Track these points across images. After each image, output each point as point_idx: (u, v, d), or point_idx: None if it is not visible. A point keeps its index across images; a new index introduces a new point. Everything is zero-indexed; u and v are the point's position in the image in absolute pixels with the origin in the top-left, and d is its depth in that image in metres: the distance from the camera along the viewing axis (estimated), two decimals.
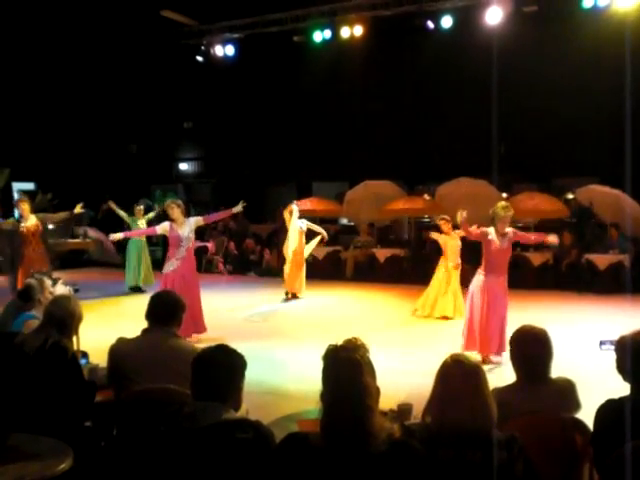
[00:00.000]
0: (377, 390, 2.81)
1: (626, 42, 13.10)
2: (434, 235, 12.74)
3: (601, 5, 15.24)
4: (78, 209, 11.92)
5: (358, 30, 17.81)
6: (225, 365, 3.21)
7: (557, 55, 18.00)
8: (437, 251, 13.87)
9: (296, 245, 14.42)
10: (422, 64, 19.85)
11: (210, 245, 17.96)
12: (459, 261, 12.44)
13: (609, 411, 3.60)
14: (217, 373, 3.17)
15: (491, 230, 8.73)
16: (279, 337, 10.53)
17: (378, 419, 2.73)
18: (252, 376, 7.41)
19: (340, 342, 2.86)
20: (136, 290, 15.24)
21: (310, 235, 15.00)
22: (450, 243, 12.37)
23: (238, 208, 10.48)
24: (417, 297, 13.27)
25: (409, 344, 9.93)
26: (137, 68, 21.74)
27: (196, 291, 9.94)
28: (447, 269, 12.45)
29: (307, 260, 15.64)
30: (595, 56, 16.50)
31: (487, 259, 8.84)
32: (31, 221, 11.38)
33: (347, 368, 2.75)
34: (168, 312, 4.61)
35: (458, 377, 2.96)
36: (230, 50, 20.27)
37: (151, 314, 4.61)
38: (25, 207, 11.48)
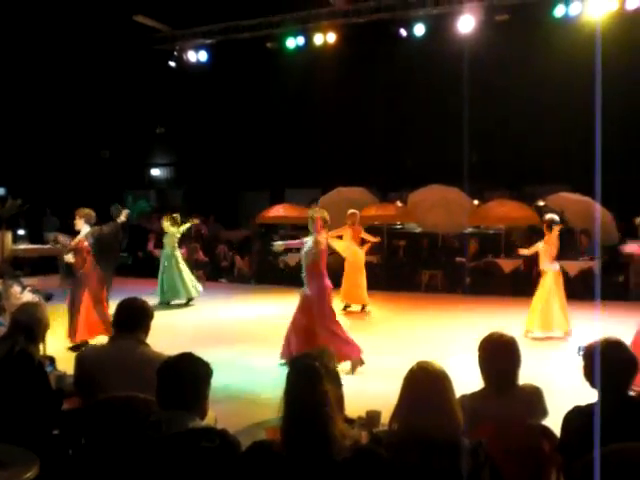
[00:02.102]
0: (339, 398, 2.81)
1: (596, 51, 13.25)
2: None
3: (572, 14, 15.39)
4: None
5: (331, 37, 17.87)
6: (190, 373, 3.20)
7: (529, 63, 18.16)
8: (411, 257, 13.97)
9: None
10: (395, 71, 19.92)
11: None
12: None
13: (576, 418, 3.63)
14: (182, 381, 3.16)
15: None
16: (250, 344, 10.50)
17: (339, 426, 2.73)
18: (223, 383, 7.47)
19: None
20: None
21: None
22: None
23: None
24: (389, 303, 13.34)
25: (380, 349, 9.93)
26: (109, 73, 21.61)
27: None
28: None
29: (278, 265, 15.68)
30: (566, 64, 16.63)
31: None
32: None
33: (306, 376, 2.75)
34: (135, 320, 4.57)
35: (424, 384, 2.97)
36: (203, 56, 20.25)
37: (118, 322, 4.58)
38: None
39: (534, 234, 16.55)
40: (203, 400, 3.25)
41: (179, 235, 14.85)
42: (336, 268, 14.00)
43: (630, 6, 14.74)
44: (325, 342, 8.22)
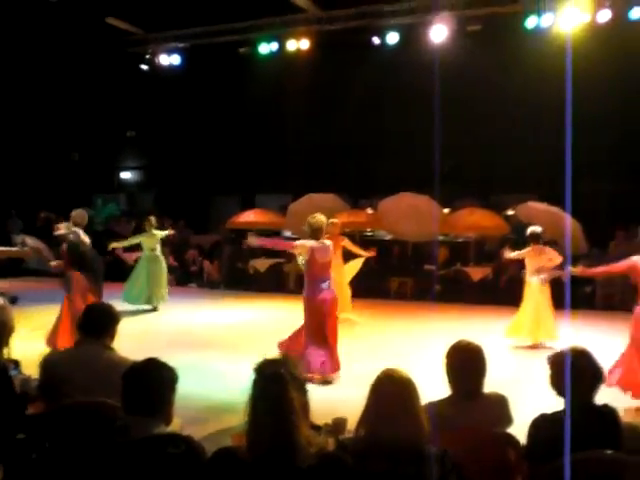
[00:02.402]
0: (305, 405, 2.80)
1: (567, 62, 13.39)
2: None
3: (544, 26, 15.52)
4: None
5: (304, 44, 17.88)
6: (155, 379, 3.17)
7: (501, 73, 18.28)
8: (381, 264, 13.98)
9: None
10: (367, 79, 19.95)
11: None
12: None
13: (542, 425, 3.67)
14: (147, 387, 3.13)
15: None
16: (220, 350, 10.45)
17: (305, 433, 2.72)
18: (191, 389, 7.43)
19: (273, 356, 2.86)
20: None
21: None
22: None
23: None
24: (358, 310, 13.36)
25: (348, 356, 9.91)
26: (80, 75, 21.45)
27: None
28: None
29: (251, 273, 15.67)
30: (537, 75, 16.76)
31: None
32: None
33: (271, 383, 2.75)
34: (101, 324, 4.54)
35: (390, 391, 2.98)
36: (175, 59, 20.17)
37: (84, 326, 4.55)
38: None
39: (507, 243, 16.74)
40: (168, 406, 3.23)
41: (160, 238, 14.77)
42: None
43: (601, 19, 14.90)
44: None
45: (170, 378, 3.26)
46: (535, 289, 11.25)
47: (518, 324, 11.30)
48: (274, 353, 3.04)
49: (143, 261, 14.59)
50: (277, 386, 2.73)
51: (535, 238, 11.21)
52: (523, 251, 11.41)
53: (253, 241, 9.45)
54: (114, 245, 14.27)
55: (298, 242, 9.10)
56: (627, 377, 7.33)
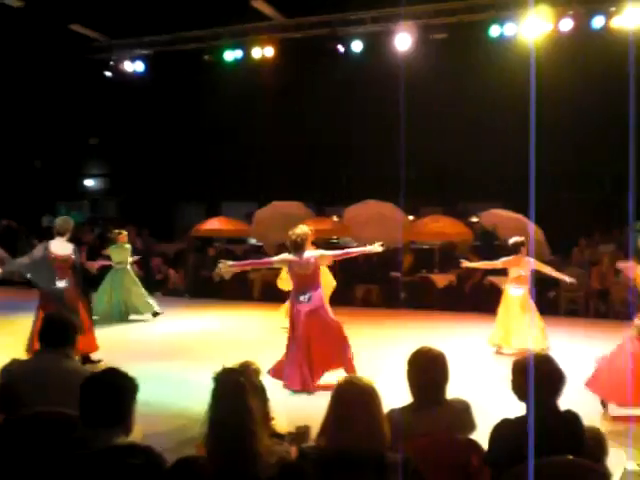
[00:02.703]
0: (265, 414, 2.78)
1: (531, 70, 13.49)
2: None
3: (507, 35, 15.65)
4: None
5: (269, 51, 17.86)
6: (114, 389, 3.13)
7: (466, 81, 18.43)
8: (347, 271, 13.98)
9: None
10: (333, 87, 20.00)
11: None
12: None
13: (504, 430, 3.67)
14: (106, 397, 3.09)
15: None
16: (184, 359, 10.34)
17: (265, 442, 2.70)
18: (155, 399, 7.36)
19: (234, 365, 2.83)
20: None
21: None
22: None
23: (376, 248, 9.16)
24: None
25: None
26: (43, 82, 21.24)
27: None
28: None
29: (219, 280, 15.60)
30: (502, 83, 16.91)
31: None
32: None
33: (231, 392, 2.72)
34: (62, 334, 4.48)
35: (351, 399, 2.96)
36: (139, 66, 20.04)
37: (44, 336, 4.49)
38: None
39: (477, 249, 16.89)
40: (128, 416, 3.18)
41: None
42: None
43: (564, 28, 15.06)
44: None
45: (129, 388, 3.22)
46: (513, 298, 11.21)
47: (497, 332, 11.29)
48: (235, 361, 3.01)
49: (109, 275, 14.37)
50: (236, 395, 2.70)
51: (517, 247, 11.25)
52: (502, 260, 11.44)
53: (227, 271, 9.20)
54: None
55: (276, 257, 9.04)
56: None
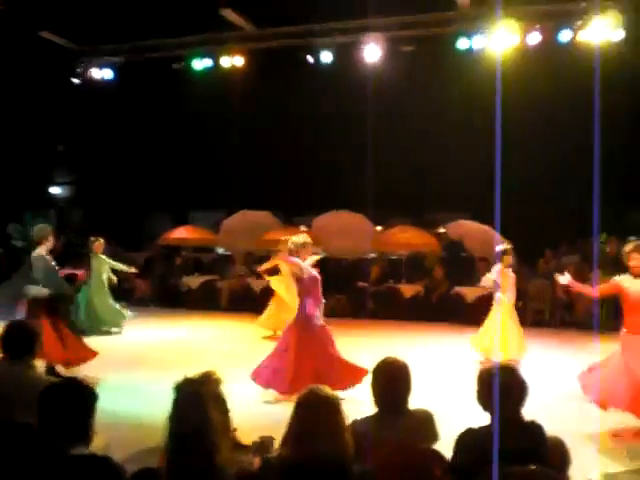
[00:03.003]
0: (226, 425, 2.76)
1: (497, 84, 13.63)
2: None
3: (475, 47, 15.76)
4: None
5: (239, 61, 17.82)
6: (73, 399, 3.10)
7: (434, 93, 18.55)
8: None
9: None
10: (303, 97, 20.02)
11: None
12: None
13: (468, 440, 3.69)
14: (65, 408, 3.05)
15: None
16: (149, 368, 10.27)
17: (225, 454, 2.69)
18: (121, 408, 7.31)
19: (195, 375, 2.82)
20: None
21: None
22: None
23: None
24: None
25: None
26: (11, 88, 21.01)
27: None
28: None
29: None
30: (470, 96, 17.03)
31: None
32: None
33: (191, 403, 2.71)
34: (23, 343, 4.44)
35: (314, 409, 2.96)
36: (108, 74, 19.90)
37: (5, 345, 4.44)
38: None
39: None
40: (87, 426, 3.15)
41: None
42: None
43: (531, 41, 15.21)
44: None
45: (88, 398, 3.18)
46: (505, 306, 11.25)
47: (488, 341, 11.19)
48: (199, 371, 2.99)
49: (85, 287, 13.85)
50: (196, 406, 2.69)
51: (499, 255, 11.31)
52: (496, 269, 11.43)
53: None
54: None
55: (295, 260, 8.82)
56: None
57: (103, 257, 14.21)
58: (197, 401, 2.71)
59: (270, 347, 9.16)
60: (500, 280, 11.31)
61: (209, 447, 2.64)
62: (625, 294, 7.52)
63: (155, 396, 8.45)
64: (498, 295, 11.34)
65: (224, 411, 2.79)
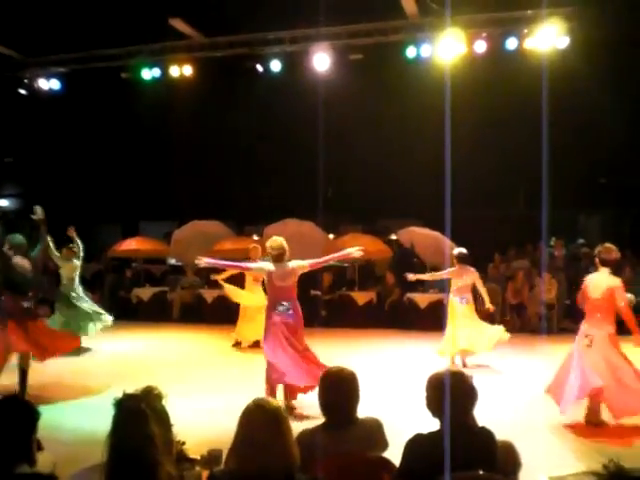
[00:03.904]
0: (169, 440, 2.72)
1: (446, 91, 13.73)
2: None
3: (424, 56, 15.87)
4: None
5: (188, 70, 17.71)
6: (14, 418, 3.02)
7: (383, 101, 18.66)
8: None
9: None
10: (253, 105, 19.98)
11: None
12: None
13: (417, 446, 3.69)
14: (5, 427, 2.98)
15: None
16: (99, 382, 10.08)
17: (167, 469, 2.65)
18: (71, 425, 7.18)
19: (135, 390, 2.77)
20: None
21: None
22: None
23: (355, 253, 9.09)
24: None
25: (231, 385, 9.81)
26: None
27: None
28: None
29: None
30: (419, 103, 17.15)
31: None
32: None
33: (130, 418, 2.67)
34: None
35: (260, 421, 2.93)
36: (55, 84, 19.64)
37: None
38: None
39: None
40: (29, 444, 3.07)
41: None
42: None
43: (479, 49, 15.36)
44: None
45: (30, 416, 3.11)
46: (457, 307, 11.51)
47: (447, 343, 11.48)
48: (140, 386, 2.94)
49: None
50: (137, 422, 2.65)
51: (461, 259, 11.56)
52: (448, 270, 11.73)
53: (202, 261, 8.94)
54: None
55: (255, 265, 9.00)
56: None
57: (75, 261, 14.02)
58: (137, 417, 2.66)
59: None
60: (454, 282, 11.63)
61: (150, 462, 2.60)
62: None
63: (105, 411, 8.36)
64: (450, 297, 11.67)
65: (166, 426, 2.75)
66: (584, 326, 7.71)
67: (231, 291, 13.83)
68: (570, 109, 16.35)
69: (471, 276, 11.58)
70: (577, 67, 14.99)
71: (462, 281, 11.51)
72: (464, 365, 11.31)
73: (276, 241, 8.81)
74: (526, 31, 14.96)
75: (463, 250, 11.67)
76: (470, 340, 11.19)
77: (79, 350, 12.72)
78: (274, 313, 8.45)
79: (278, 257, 8.67)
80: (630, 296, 9.54)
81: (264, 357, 8.39)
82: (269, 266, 8.63)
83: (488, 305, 11.63)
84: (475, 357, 11.59)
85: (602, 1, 14.16)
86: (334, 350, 12.42)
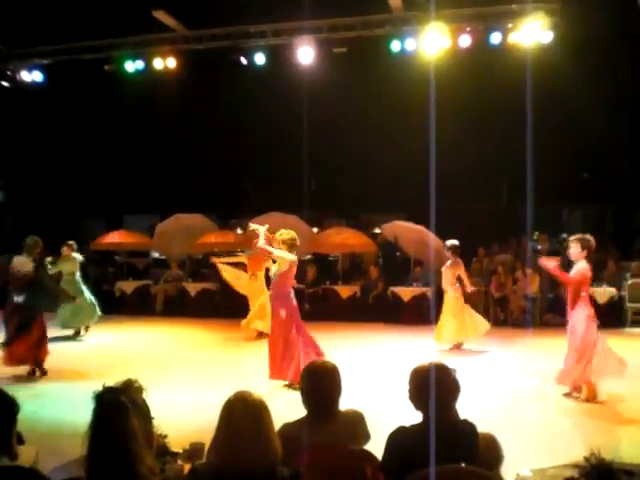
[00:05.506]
0: (149, 433, 2.71)
1: (430, 84, 13.72)
2: None
3: (408, 50, 15.85)
4: None
5: (171, 62, 17.60)
6: None
7: (368, 95, 18.64)
8: None
9: None
10: (237, 98, 19.91)
11: None
12: None
13: (400, 438, 3.69)
14: None
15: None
16: (83, 375, 10.05)
17: (147, 462, 2.64)
18: (54, 418, 7.13)
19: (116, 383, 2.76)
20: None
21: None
22: None
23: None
24: (227, 330, 13.28)
25: (215, 379, 9.78)
26: None
27: None
28: None
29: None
30: (404, 97, 17.16)
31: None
32: None
33: (111, 411, 2.65)
34: None
35: (241, 414, 2.92)
36: (38, 76, 19.49)
37: None
38: None
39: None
40: (9, 438, 3.05)
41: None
42: None
43: (463, 44, 15.35)
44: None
45: (9, 409, 3.09)
46: (452, 297, 12.07)
47: (441, 330, 12.07)
48: (121, 380, 2.92)
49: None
50: (116, 414, 2.63)
51: (455, 251, 12.04)
52: (449, 264, 12.21)
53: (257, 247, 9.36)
54: None
55: (288, 254, 9.07)
56: None
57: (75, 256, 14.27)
58: (117, 410, 2.65)
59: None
60: (447, 273, 12.20)
61: (130, 455, 2.59)
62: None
63: (87, 403, 8.33)
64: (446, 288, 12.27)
65: (147, 419, 2.74)
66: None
67: (230, 275, 13.90)
68: (554, 104, 16.41)
69: (462, 268, 12.17)
70: (561, 62, 15.04)
71: (454, 273, 12.10)
72: (459, 348, 12.01)
73: (290, 232, 9.23)
74: (510, 26, 14.96)
75: (455, 242, 12.15)
76: (472, 328, 12.02)
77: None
78: (293, 299, 9.19)
79: (293, 247, 9.09)
80: (611, 290, 10.09)
81: (293, 339, 9.01)
82: (292, 256, 9.10)
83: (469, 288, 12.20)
84: (459, 351, 11.73)
85: None
86: (318, 343, 12.42)
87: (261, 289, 13.14)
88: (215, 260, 14.24)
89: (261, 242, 9.13)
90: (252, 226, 9.73)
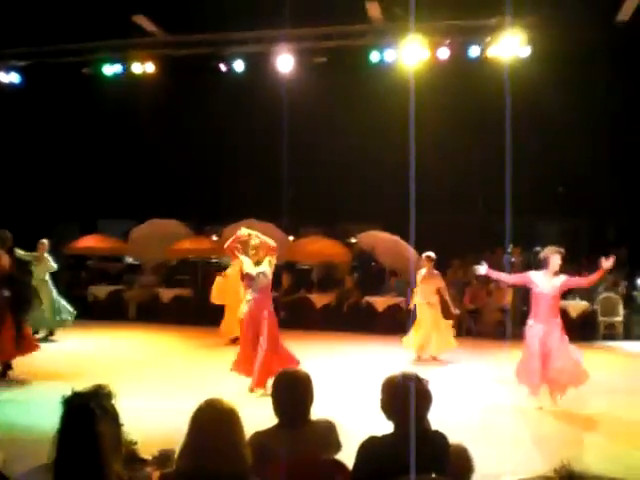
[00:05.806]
0: (117, 439, 2.67)
1: (410, 95, 13.76)
2: None
3: (388, 60, 15.89)
4: None
5: (150, 67, 17.54)
6: None
7: (346, 105, 18.66)
8: None
9: None
10: (216, 105, 19.85)
11: None
12: None
13: (371, 448, 3.67)
14: None
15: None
16: (53, 381, 9.94)
17: (115, 469, 2.60)
18: (24, 423, 7.04)
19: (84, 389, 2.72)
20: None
21: None
22: None
23: None
24: (202, 338, 13.21)
25: (186, 385, 9.71)
26: None
27: None
28: None
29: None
30: (382, 108, 17.18)
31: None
32: None
33: (79, 417, 2.62)
34: None
35: (211, 421, 2.90)
36: (15, 78, 19.34)
37: None
38: None
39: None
40: None
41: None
42: None
43: (442, 56, 15.41)
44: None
45: None
46: (425, 309, 12.16)
47: (413, 339, 12.16)
48: (91, 385, 2.88)
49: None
50: (84, 420, 2.60)
51: (430, 261, 12.29)
52: (419, 273, 12.38)
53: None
54: None
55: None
56: None
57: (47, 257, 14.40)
58: (85, 415, 2.62)
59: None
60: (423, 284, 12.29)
61: (98, 462, 2.55)
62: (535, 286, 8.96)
63: (53, 410, 8.23)
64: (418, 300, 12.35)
65: (116, 425, 2.71)
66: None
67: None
68: (531, 118, 16.52)
69: (436, 279, 12.24)
70: (539, 77, 15.14)
71: (430, 284, 12.17)
72: (434, 359, 12.10)
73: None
74: (489, 40, 15.05)
75: (431, 254, 12.36)
76: (437, 345, 12.06)
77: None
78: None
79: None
80: (584, 303, 10.44)
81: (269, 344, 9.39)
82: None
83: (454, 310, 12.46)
84: (433, 362, 11.77)
85: (564, 13, 14.31)
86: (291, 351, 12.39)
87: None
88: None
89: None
90: (244, 231, 9.69)
